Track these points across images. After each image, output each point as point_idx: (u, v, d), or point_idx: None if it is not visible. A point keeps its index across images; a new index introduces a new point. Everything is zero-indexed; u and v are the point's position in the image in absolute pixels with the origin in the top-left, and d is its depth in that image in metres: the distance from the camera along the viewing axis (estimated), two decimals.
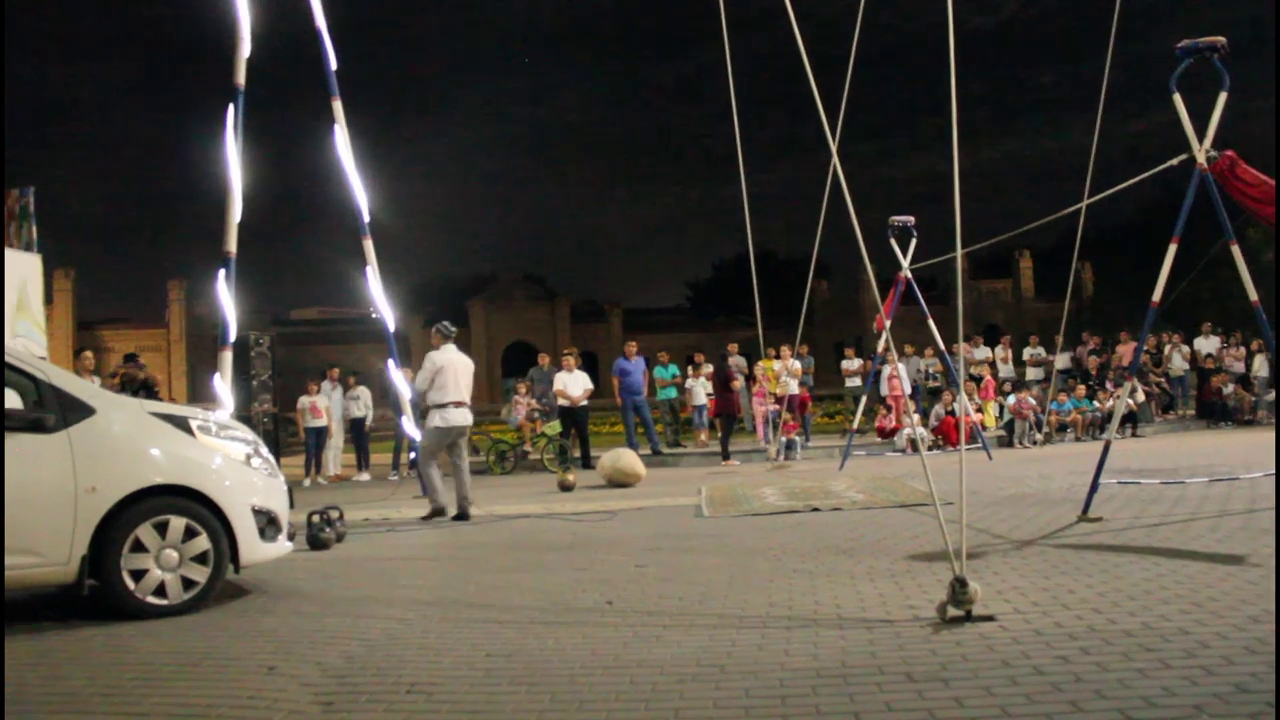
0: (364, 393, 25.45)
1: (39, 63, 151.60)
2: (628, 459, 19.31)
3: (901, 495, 14.59)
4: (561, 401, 24.34)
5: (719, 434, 24.12)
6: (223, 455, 9.61)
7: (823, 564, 9.88)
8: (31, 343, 18.55)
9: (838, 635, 7.11)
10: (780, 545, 11.14)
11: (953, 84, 8.04)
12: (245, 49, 14.44)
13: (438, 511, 15.18)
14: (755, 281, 18.06)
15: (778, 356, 27.19)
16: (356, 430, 25.25)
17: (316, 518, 13.08)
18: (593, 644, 7.22)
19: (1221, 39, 11.20)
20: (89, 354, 20.79)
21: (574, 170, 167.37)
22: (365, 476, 24.11)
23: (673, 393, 28.34)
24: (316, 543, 12.67)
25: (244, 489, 9.61)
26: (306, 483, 23.26)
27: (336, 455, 25.37)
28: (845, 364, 32.47)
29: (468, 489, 15.41)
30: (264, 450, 10.14)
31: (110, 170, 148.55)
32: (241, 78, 14.21)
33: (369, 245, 17.23)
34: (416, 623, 8.24)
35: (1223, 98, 11.38)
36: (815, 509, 13.78)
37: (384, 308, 17.64)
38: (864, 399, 23.08)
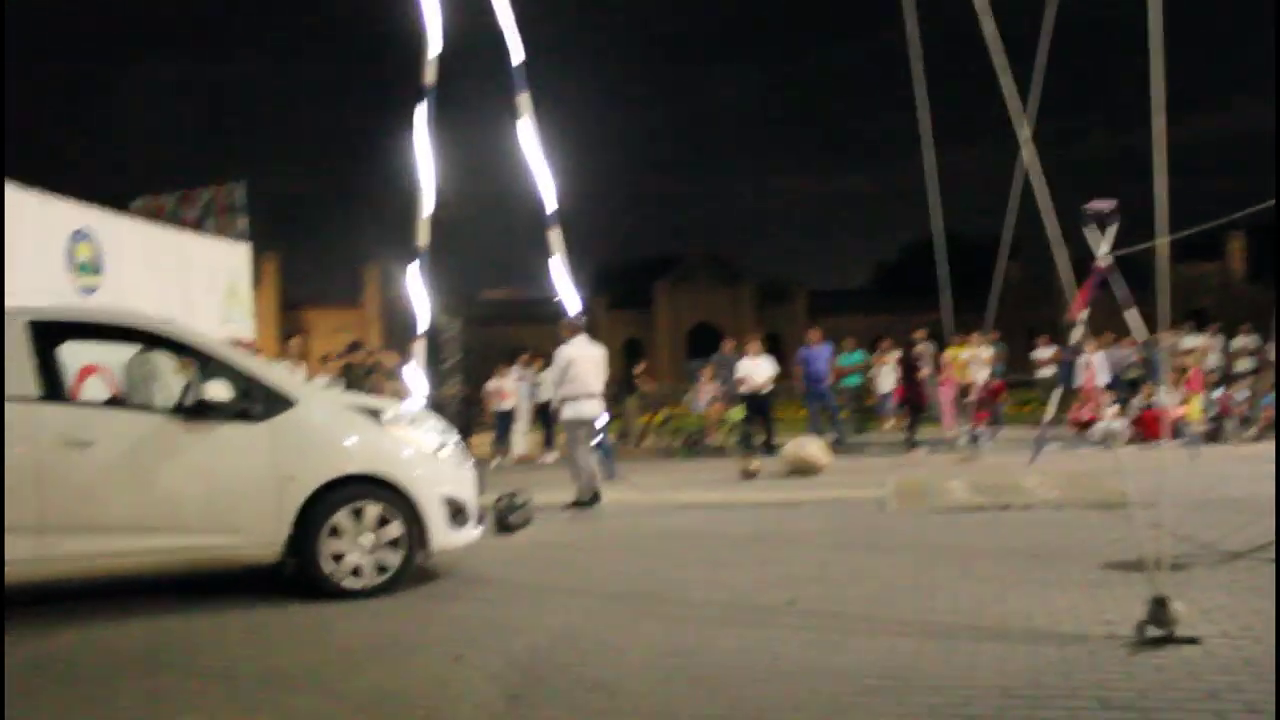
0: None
1: (254, 61, 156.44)
2: (811, 447, 19.31)
3: (1097, 495, 14.13)
4: (745, 389, 24.44)
5: (905, 423, 23.96)
6: (414, 446, 9.98)
7: (1013, 569, 9.64)
8: (241, 328, 19.40)
9: (1028, 650, 6.93)
10: (968, 546, 10.95)
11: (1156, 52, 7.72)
12: (434, 48, 14.83)
13: (586, 499, 15.37)
14: (942, 264, 17.88)
15: (966, 343, 26.74)
16: (543, 411, 25.74)
17: (503, 502, 13.42)
18: (774, 647, 7.28)
19: None
20: (296, 339, 21.53)
21: (760, 151, 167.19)
22: (550, 458, 24.49)
23: (857, 379, 28.19)
24: (503, 526, 13.02)
25: (434, 479, 10.01)
26: (494, 464, 23.78)
27: (523, 437, 25.86)
28: (1037, 354, 31.61)
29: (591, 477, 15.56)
30: (454, 441, 10.44)
31: (313, 158, 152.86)
32: (431, 76, 14.62)
33: (555, 234, 17.60)
34: (598, 615, 8.44)
35: None
36: (1006, 506, 13.64)
37: (569, 293, 17.94)
38: (1058, 390, 22.58)
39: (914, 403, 23.45)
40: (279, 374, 10.07)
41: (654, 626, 7.98)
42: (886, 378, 28.69)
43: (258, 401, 9.58)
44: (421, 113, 14.58)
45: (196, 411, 9.38)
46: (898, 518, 13.27)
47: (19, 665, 7.57)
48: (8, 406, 9.12)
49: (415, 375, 14.65)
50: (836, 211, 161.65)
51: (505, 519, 13.12)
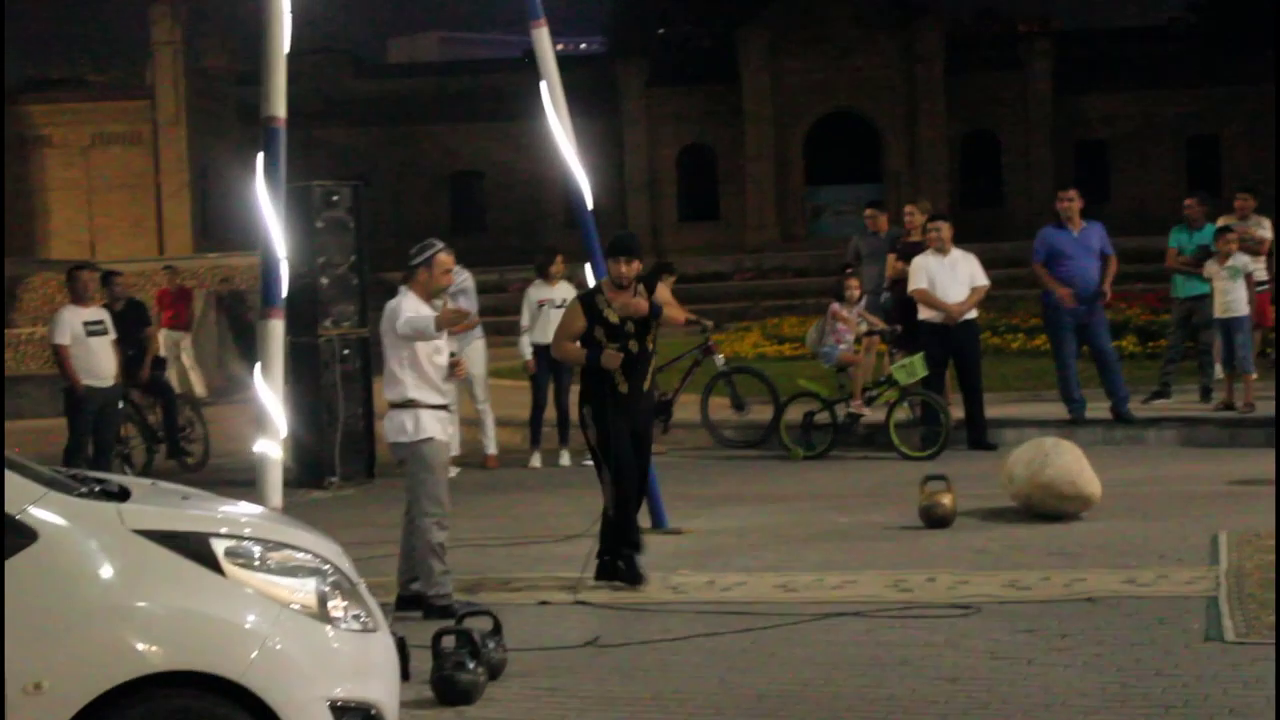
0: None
1: None
2: (1066, 462, 12.65)
3: None
4: (927, 315, 17.03)
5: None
6: (273, 603, 6.11)
7: None
8: None
9: None
10: None
11: None
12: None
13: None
14: None
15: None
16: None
17: (449, 642, 8.80)
18: None
19: None
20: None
21: None
22: (537, 460, 18.04)
23: (1196, 287, 18.33)
24: (451, 691, 8.51)
25: (313, 669, 6.24)
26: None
27: (486, 425, 18.54)
28: None
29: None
30: (351, 582, 6.54)
31: None
32: None
33: None
34: None
35: None
36: None
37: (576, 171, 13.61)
38: None
39: None
40: None
41: None
42: (1236, 279, 17.51)
43: None
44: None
45: None
46: (1242, 658, 8.34)
47: None
48: None
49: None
50: None
51: (454, 676, 8.54)
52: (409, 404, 10.48)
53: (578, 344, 10.99)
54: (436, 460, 10.67)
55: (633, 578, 10.84)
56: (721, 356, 18.75)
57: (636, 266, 11.00)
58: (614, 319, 10.87)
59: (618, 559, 10.94)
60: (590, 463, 17.11)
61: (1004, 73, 59.88)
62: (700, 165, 61.05)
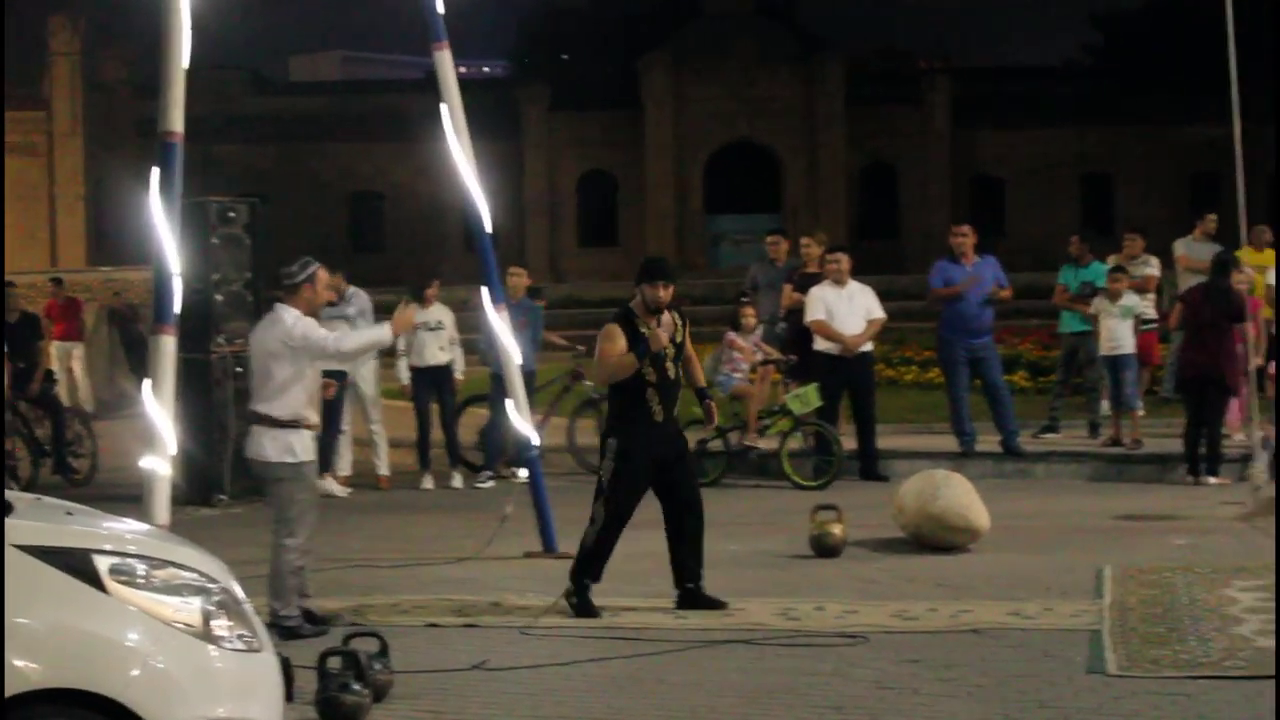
0: (446, 316, 17.99)
1: None
2: (955, 495, 12.72)
3: None
4: (823, 346, 17.09)
5: (1189, 425, 16.51)
6: (156, 622, 6.07)
7: None
8: None
9: None
10: None
11: None
12: None
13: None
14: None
15: (1272, 243, 18.83)
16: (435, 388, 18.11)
17: (334, 663, 8.68)
18: None
19: None
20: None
21: None
22: (429, 482, 17.82)
23: (1083, 324, 18.54)
24: (335, 712, 8.36)
25: (195, 688, 6.17)
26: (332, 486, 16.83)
27: (379, 445, 18.09)
28: None
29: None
30: (236, 601, 6.45)
31: None
32: None
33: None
34: None
35: None
36: None
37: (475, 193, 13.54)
38: None
39: (1211, 372, 16.10)
40: None
41: None
42: (1120, 321, 17.80)
43: None
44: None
45: None
46: (1123, 692, 8.38)
47: None
48: None
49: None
50: None
51: (338, 698, 8.40)
52: (296, 423, 10.36)
53: (622, 355, 10.54)
54: (313, 482, 10.62)
55: (590, 611, 10.59)
56: (590, 382, 18.72)
57: (672, 291, 10.79)
58: (654, 344, 10.59)
59: (582, 590, 10.66)
60: (485, 485, 17.18)
61: (903, 107, 60.33)
62: (601, 191, 60.99)
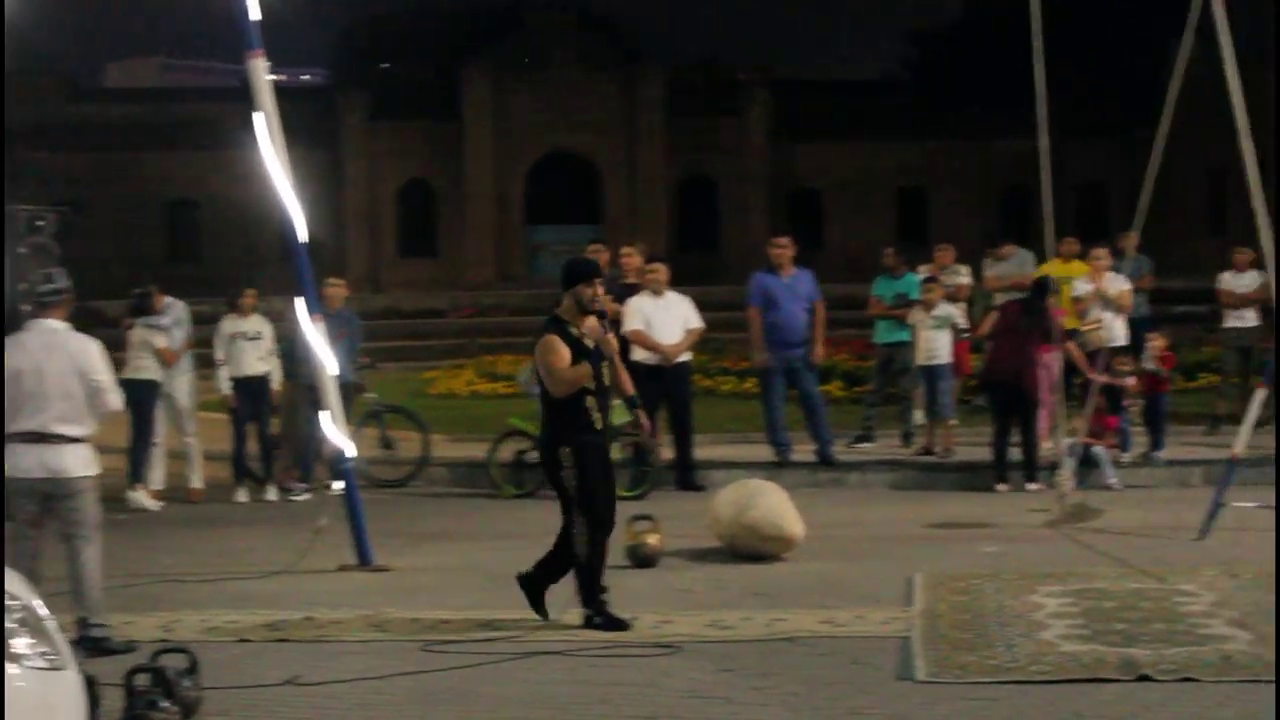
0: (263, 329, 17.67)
1: None
2: (770, 504, 12.80)
3: None
4: (641, 355, 16.95)
5: (997, 429, 17.02)
6: None
7: None
8: None
9: None
10: None
11: None
12: None
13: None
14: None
15: (1079, 255, 19.14)
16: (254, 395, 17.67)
17: (142, 680, 8.45)
18: None
19: None
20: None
21: None
22: (243, 495, 17.57)
23: (897, 334, 18.96)
24: None
25: None
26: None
27: (192, 458, 17.80)
28: (1229, 281, 20.03)
29: None
30: (38, 618, 6.29)
31: None
32: None
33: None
34: None
35: None
36: (1144, 677, 8.57)
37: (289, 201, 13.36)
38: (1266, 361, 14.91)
39: (1008, 383, 16.72)
40: None
41: None
42: (936, 331, 18.13)
43: None
44: None
45: None
46: (934, 697, 8.49)
47: None
48: None
49: None
50: None
51: (145, 717, 8.13)
52: (87, 439, 10.19)
53: (578, 369, 10.34)
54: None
55: (619, 624, 10.34)
56: (373, 395, 18.60)
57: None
58: (590, 345, 10.42)
59: (601, 607, 10.41)
60: (300, 498, 16.94)
61: (723, 120, 60.41)
62: (421, 201, 60.28)
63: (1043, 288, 16.87)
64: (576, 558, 10.46)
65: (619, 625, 10.29)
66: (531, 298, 42.99)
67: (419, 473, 18.15)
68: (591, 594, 10.40)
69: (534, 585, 10.65)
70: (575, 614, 10.57)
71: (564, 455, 10.38)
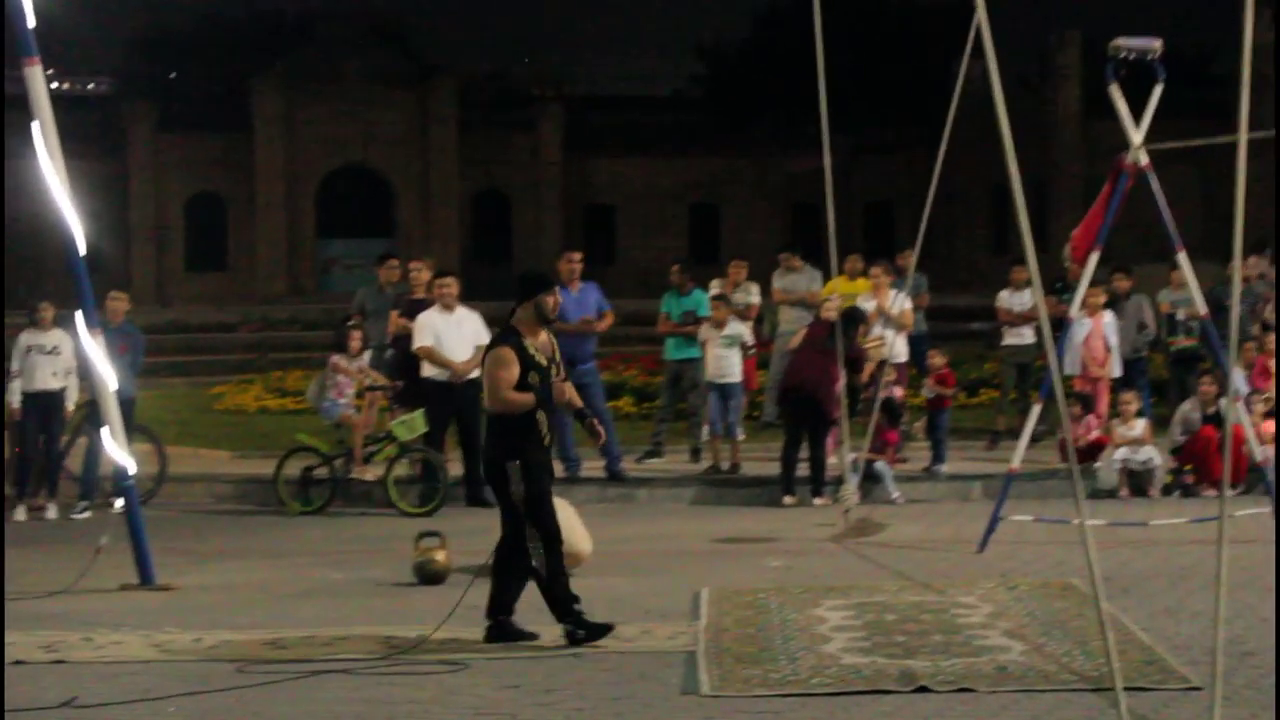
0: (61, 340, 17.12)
1: None
2: (559, 520, 13.12)
3: (1095, 644, 9.20)
4: (430, 372, 17.10)
5: (787, 445, 17.21)
6: None
7: None
8: None
9: None
10: None
11: None
12: None
13: None
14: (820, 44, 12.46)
15: (864, 272, 19.59)
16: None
17: None
18: None
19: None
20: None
21: None
22: (53, 511, 17.23)
23: (686, 351, 18.94)
24: None
25: None
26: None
27: None
28: (1007, 299, 20.41)
29: None
30: None
31: None
32: None
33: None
34: None
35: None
36: (922, 689, 8.70)
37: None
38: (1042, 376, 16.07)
39: (806, 398, 16.77)
40: None
41: None
42: (724, 350, 18.32)
43: None
44: None
45: None
46: (717, 711, 8.55)
47: None
48: None
49: None
50: None
51: None
52: None
53: (523, 396, 10.12)
54: None
55: (601, 630, 10.24)
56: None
57: None
58: (544, 361, 10.20)
59: (577, 617, 10.25)
60: (81, 516, 16.58)
61: (516, 134, 60.58)
62: (210, 214, 59.38)
63: (853, 318, 16.88)
64: (538, 576, 10.31)
65: (602, 632, 10.20)
66: (325, 312, 42.48)
67: (158, 489, 17.69)
68: (566, 608, 10.24)
69: (504, 625, 10.44)
70: (360, 631, 10.51)
71: (513, 469, 10.19)
